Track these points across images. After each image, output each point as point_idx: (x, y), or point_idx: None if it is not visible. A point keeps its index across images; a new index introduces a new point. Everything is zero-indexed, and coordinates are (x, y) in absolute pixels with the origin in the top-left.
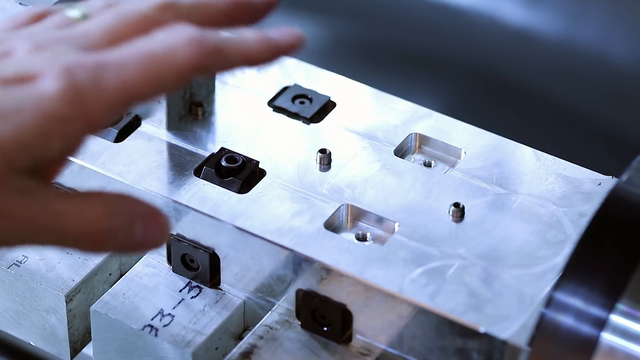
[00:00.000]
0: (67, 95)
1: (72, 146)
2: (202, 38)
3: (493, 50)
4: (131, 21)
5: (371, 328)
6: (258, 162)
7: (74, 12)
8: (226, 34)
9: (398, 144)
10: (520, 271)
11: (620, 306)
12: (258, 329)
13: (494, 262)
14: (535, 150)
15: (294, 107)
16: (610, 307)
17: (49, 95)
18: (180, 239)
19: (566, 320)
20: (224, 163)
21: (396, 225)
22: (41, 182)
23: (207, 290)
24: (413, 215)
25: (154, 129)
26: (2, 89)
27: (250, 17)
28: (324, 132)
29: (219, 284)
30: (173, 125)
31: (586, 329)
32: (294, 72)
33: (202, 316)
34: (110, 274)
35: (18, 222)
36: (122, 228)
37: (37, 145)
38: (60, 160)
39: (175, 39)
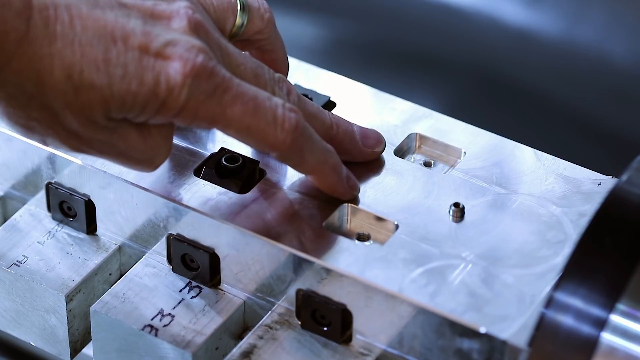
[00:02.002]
0: (181, 93)
1: (154, 121)
2: (300, 133)
3: (493, 50)
4: (264, 76)
5: (371, 328)
6: (258, 162)
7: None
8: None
9: (398, 144)
10: (520, 271)
11: (620, 306)
12: (258, 329)
13: (494, 262)
14: (535, 150)
15: None
16: (610, 307)
17: (169, 84)
18: (180, 239)
19: (566, 320)
20: (224, 163)
21: (396, 225)
22: (126, 121)
23: (207, 290)
24: (413, 215)
25: None
26: (142, 54)
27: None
28: None
29: (219, 284)
30: None
31: (586, 329)
32: (294, 72)
33: (202, 316)
34: (110, 274)
35: (95, 149)
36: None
37: (135, 112)
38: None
39: (283, 117)
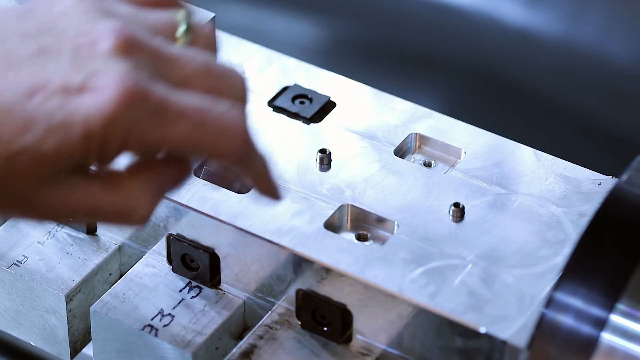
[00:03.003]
0: (118, 125)
1: (106, 161)
2: (246, 141)
3: (493, 50)
4: (213, 76)
5: (371, 328)
6: None
7: (181, 29)
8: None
9: (398, 144)
10: (520, 271)
11: (620, 306)
12: (258, 329)
13: (494, 262)
14: (535, 150)
15: (294, 107)
16: (610, 307)
17: (99, 116)
18: (180, 239)
19: (566, 320)
20: None
21: (396, 225)
22: (84, 177)
23: (207, 290)
24: (413, 215)
25: None
26: (66, 96)
27: None
28: (324, 132)
29: (219, 284)
30: None
31: (586, 329)
32: (294, 72)
33: (202, 316)
34: (110, 274)
35: (58, 214)
36: (150, 210)
37: (79, 158)
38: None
39: (232, 124)
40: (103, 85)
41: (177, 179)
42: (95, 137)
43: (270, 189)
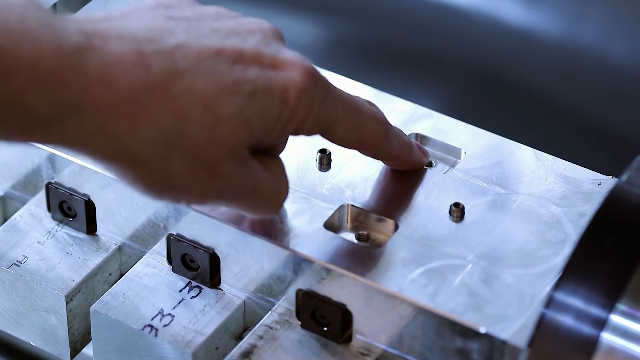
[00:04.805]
0: (307, 97)
1: (282, 136)
2: (388, 123)
3: (493, 50)
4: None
5: (371, 328)
6: None
7: None
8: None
9: None
10: (520, 271)
11: (620, 306)
12: (258, 329)
13: (494, 262)
14: (535, 150)
15: None
16: (610, 307)
17: (296, 89)
18: (180, 239)
19: (566, 320)
20: None
21: (396, 225)
22: (251, 156)
23: (207, 290)
24: (413, 215)
25: None
26: (261, 68)
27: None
28: None
29: (219, 284)
30: None
31: (586, 329)
32: None
33: (202, 316)
34: (110, 274)
35: (231, 187)
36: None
37: (272, 127)
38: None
39: (375, 111)
40: (291, 60)
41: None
42: (289, 106)
43: (417, 159)
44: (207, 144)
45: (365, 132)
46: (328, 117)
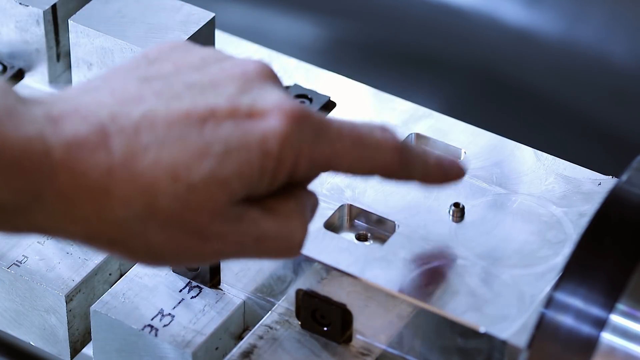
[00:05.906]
0: (291, 142)
1: (275, 184)
2: (403, 148)
3: (493, 50)
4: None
5: (371, 328)
6: None
7: None
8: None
9: None
10: (520, 271)
11: (620, 306)
12: (258, 329)
13: (494, 262)
14: (535, 150)
15: None
16: (610, 307)
17: (273, 135)
18: None
19: (566, 320)
20: None
21: (396, 225)
22: (248, 205)
23: (207, 290)
24: (413, 215)
25: None
26: (236, 121)
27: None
28: None
29: (219, 284)
30: None
31: (586, 329)
32: (294, 72)
33: (202, 316)
34: (110, 274)
35: (229, 244)
36: (306, 233)
37: (255, 181)
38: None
39: (384, 139)
40: (270, 107)
41: (315, 204)
42: (271, 156)
43: (450, 173)
44: (185, 213)
45: (373, 162)
46: (325, 156)
